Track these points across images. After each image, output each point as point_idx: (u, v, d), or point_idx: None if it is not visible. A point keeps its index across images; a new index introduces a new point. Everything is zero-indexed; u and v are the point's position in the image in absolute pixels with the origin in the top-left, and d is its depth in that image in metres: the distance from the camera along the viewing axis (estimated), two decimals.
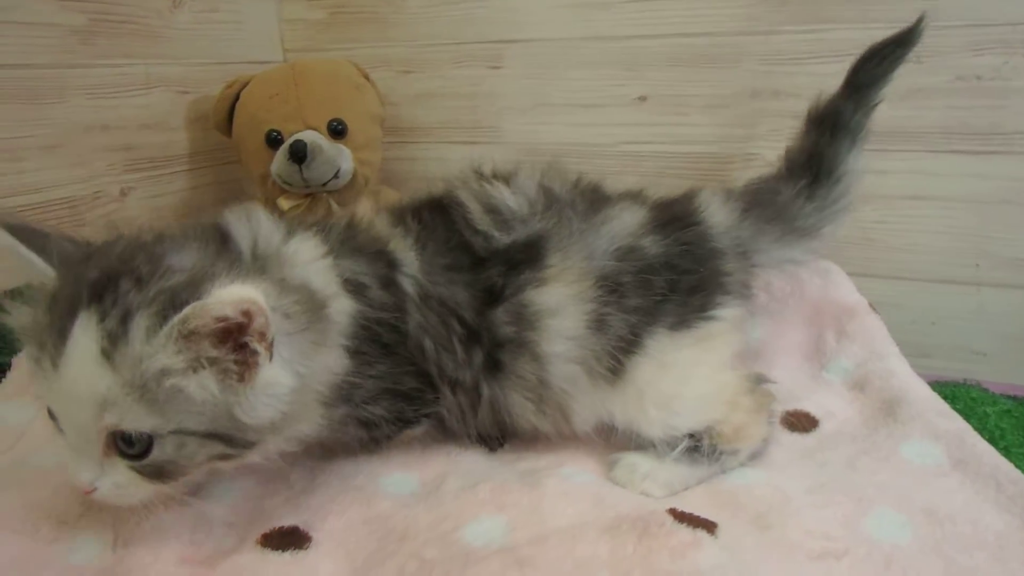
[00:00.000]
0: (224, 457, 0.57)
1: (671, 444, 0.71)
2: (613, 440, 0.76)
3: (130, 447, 0.54)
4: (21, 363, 0.82)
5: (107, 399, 0.52)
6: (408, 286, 0.68)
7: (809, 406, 0.82)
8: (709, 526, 0.61)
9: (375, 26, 1.28)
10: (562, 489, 0.67)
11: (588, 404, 0.71)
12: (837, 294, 0.94)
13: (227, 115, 1.17)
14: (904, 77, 0.98)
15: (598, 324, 0.68)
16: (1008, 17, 0.94)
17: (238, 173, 1.26)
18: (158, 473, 0.55)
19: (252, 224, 0.64)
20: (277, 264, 0.61)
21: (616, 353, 0.69)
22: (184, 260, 0.56)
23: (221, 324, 0.50)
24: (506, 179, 0.74)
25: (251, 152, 1.14)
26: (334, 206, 1.13)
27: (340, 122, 1.12)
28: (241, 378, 0.53)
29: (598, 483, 0.71)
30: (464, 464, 0.74)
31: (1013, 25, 0.94)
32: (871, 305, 0.94)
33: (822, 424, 0.79)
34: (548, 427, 0.74)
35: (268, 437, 0.58)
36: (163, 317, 0.51)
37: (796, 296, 0.95)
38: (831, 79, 0.85)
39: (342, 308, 0.63)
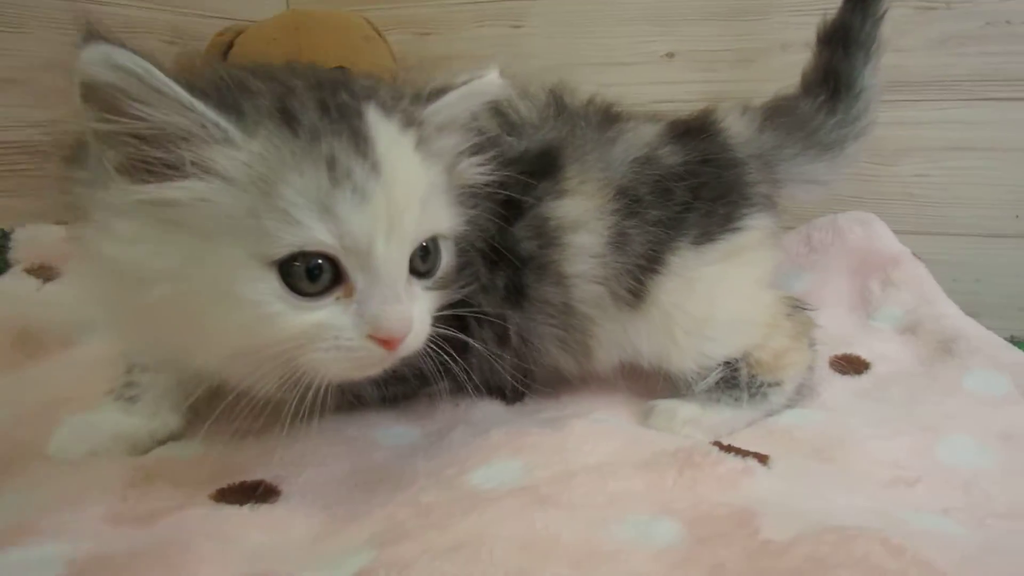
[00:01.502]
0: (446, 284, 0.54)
1: (704, 376, 0.65)
2: (640, 387, 0.70)
3: (424, 262, 0.49)
4: None
5: (425, 198, 0.47)
6: None
7: (860, 350, 0.76)
8: (761, 457, 0.53)
9: None
10: (591, 430, 0.59)
11: (611, 333, 0.66)
12: (880, 244, 0.90)
13: None
14: (934, 24, 0.98)
15: (620, 240, 0.64)
16: None
17: None
18: (444, 286, 0.52)
19: None
20: None
21: (637, 272, 0.64)
22: None
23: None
24: (517, 88, 0.70)
25: None
26: None
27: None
28: None
29: (633, 426, 0.64)
30: (476, 415, 0.67)
31: None
32: (913, 254, 0.90)
33: (875, 366, 0.74)
34: (571, 364, 0.68)
35: None
36: (424, 104, 0.50)
37: (837, 246, 0.92)
38: None
39: None
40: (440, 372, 0.64)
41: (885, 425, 0.62)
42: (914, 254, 0.91)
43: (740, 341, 0.66)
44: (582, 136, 0.67)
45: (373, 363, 0.47)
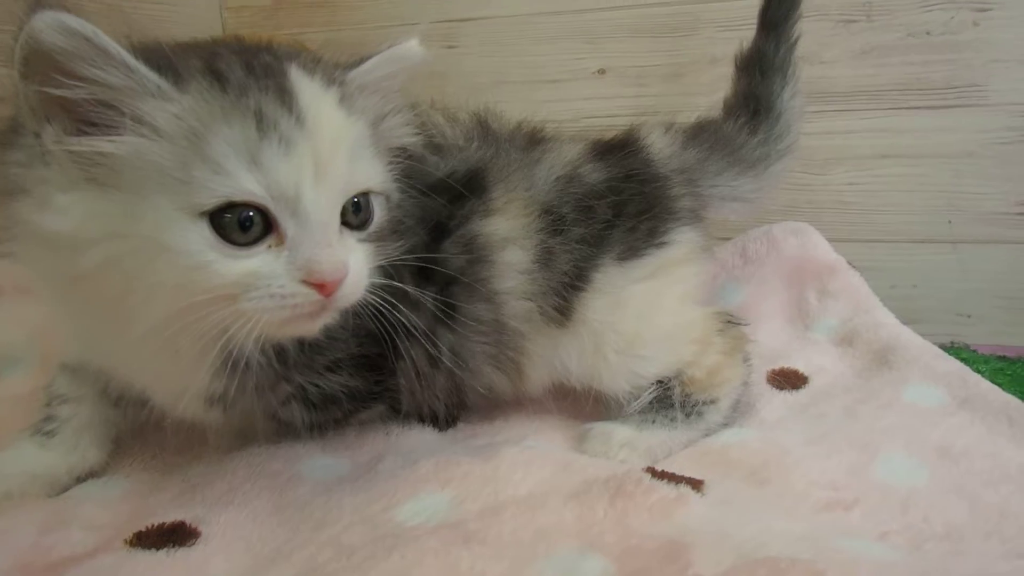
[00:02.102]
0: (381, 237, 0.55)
1: (637, 396, 0.64)
2: (574, 410, 0.69)
3: (357, 215, 0.50)
4: None
5: (354, 151, 0.49)
6: None
7: (797, 363, 0.75)
8: (694, 483, 0.52)
9: (324, 10, 1.22)
10: (522, 458, 0.57)
11: (543, 350, 0.65)
12: (815, 253, 0.89)
13: None
14: (857, 36, 0.99)
15: (546, 257, 0.64)
16: None
17: None
18: (379, 238, 0.53)
19: None
20: None
21: (562, 290, 0.63)
22: None
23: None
24: (444, 113, 0.71)
25: None
26: None
27: None
28: None
29: (566, 452, 0.62)
30: (406, 443, 0.64)
31: None
32: (849, 263, 0.90)
33: (812, 380, 0.73)
34: (504, 383, 0.67)
35: None
36: (345, 69, 0.52)
37: (773, 257, 0.90)
38: None
39: None
40: (374, 392, 0.63)
41: (822, 443, 0.61)
42: (850, 263, 0.90)
43: (671, 359, 0.66)
44: (507, 157, 0.66)
45: (309, 311, 0.47)
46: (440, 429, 0.68)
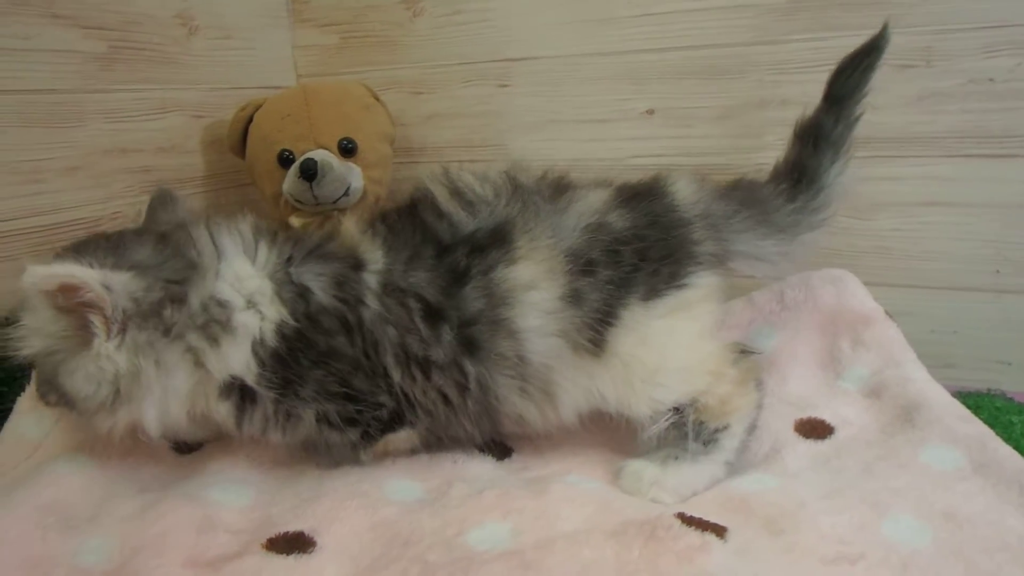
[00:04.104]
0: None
1: (656, 421, 0.71)
2: (611, 441, 0.76)
3: None
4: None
5: None
6: (371, 280, 0.71)
7: (824, 414, 0.80)
8: (718, 530, 0.59)
9: (386, 49, 1.31)
10: (568, 495, 0.67)
11: (576, 380, 0.72)
12: (852, 302, 0.92)
13: (241, 137, 1.19)
14: (915, 81, 1.00)
15: (574, 297, 0.69)
16: (1021, 18, 0.92)
17: (253, 195, 1.29)
18: None
19: (217, 234, 0.71)
20: (204, 274, 0.68)
21: (595, 325, 0.70)
22: (135, 254, 0.67)
23: (54, 289, 0.61)
24: (474, 173, 0.76)
25: (263, 172, 1.16)
26: None
27: (350, 141, 1.14)
28: (84, 343, 0.63)
29: (605, 489, 0.70)
30: (471, 471, 0.74)
31: None
32: (887, 312, 0.92)
33: (838, 431, 0.77)
34: (535, 413, 0.73)
35: (98, 411, 0.66)
36: None
37: (809, 304, 0.94)
38: None
39: (265, 317, 0.68)
40: (355, 419, 0.73)
41: (837, 497, 0.66)
42: (887, 313, 0.92)
43: (687, 388, 0.72)
44: (534, 209, 0.72)
45: None
46: (497, 459, 0.78)
